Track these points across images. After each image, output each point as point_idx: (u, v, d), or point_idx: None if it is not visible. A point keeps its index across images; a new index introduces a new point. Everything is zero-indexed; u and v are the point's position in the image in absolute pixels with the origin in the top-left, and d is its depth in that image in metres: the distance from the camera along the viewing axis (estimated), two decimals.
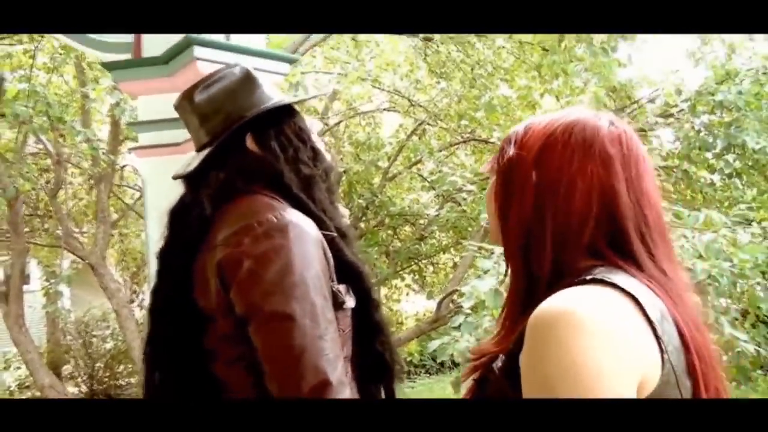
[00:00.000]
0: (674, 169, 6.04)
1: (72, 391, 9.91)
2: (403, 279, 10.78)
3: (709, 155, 5.91)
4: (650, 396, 0.94)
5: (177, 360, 1.55)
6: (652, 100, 6.70)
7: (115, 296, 7.10)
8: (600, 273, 1.01)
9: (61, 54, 7.06)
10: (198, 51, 2.44)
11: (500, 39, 7.92)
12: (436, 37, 8.05)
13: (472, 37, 7.92)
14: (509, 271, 1.19)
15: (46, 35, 6.81)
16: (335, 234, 1.59)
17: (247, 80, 1.69)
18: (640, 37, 6.66)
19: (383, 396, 1.66)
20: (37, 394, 10.01)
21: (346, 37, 8.67)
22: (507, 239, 1.17)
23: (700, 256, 3.37)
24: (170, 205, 1.67)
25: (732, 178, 5.87)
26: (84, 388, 10.60)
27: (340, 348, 1.43)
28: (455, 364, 8.73)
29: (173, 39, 2.51)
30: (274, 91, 1.74)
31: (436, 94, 9.07)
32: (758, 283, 3.41)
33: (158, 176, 2.65)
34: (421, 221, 8.82)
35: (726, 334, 3.18)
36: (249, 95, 1.67)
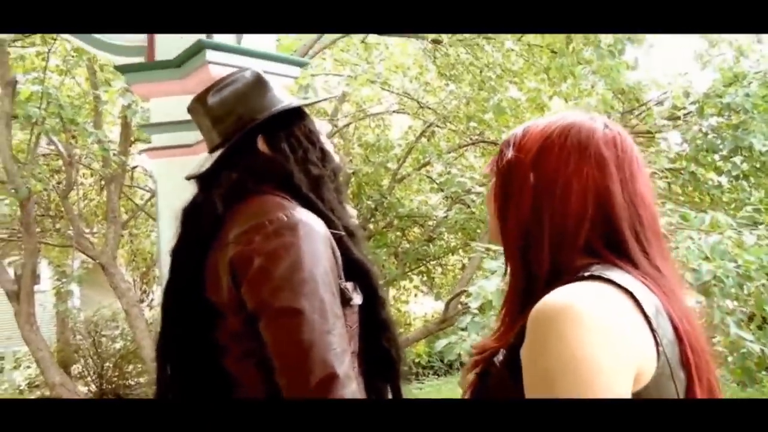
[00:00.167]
0: (682, 171, 6.05)
1: (81, 390, 9.97)
2: (411, 280, 10.79)
3: (716, 157, 5.91)
4: (646, 386, 0.98)
5: (188, 354, 1.59)
6: (660, 103, 6.71)
7: (125, 296, 7.15)
8: (597, 270, 1.05)
9: (73, 56, 7.12)
10: (210, 54, 2.47)
11: (509, 41, 7.94)
12: (445, 39, 8.07)
13: (480, 40, 7.94)
14: (508, 270, 1.22)
15: (58, 38, 6.88)
16: (343, 233, 1.63)
17: (259, 84, 1.74)
18: (648, 40, 6.67)
19: (389, 391, 1.70)
20: (47, 392, 10.09)
21: (356, 40, 8.70)
22: (506, 239, 1.21)
23: (706, 258, 3.39)
24: (183, 204, 1.71)
25: (739, 180, 5.87)
26: (93, 388, 10.66)
27: (347, 343, 1.47)
28: (463, 366, 8.72)
29: (185, 42, 2.55)
30: (284, 94, 1.78)
31: (445, 97, 9.08)
32: (764, 285, 3.43)
33: (170, 177, 2.69)
34: (430, 223, 8.86)
35: (732, 335, 3.20)
36: (260, 98, 1.71)
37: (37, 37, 7.12)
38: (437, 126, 9.09)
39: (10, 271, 7.12)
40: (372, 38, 8.65)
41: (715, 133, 5.87)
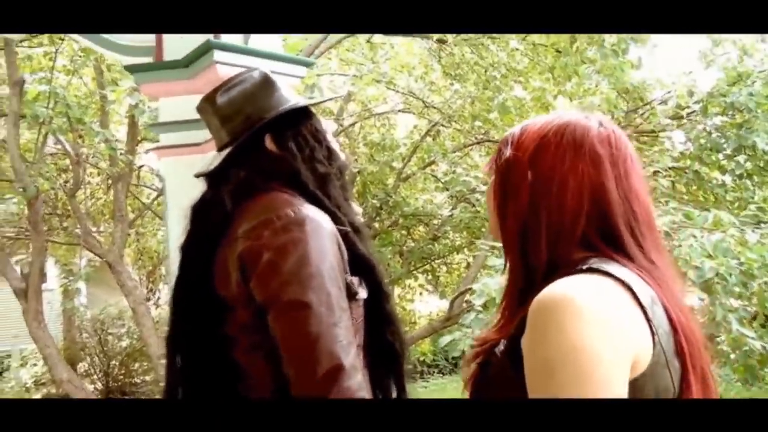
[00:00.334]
0: (686, 170, 6.07)
1: (87, 388, 10.03)
2: (416, 279, 10.82)
3: (720, 156, 5.93)
4: (643, 374, 1.02)
5: (198, 346, 1.63)
6: (664, 102, 6.73)
7: (131, 294, 7.19)
8: (595, 263, 1.08)
9: (80, 57, 7.15)
10: (217, 55, 2.51)
11: (514, 41, 7.96)
12: (450, 39, 8.10)
13: (485, 39, 7.95)
14: (508, 265, 1.26)
15: (66, 39, 6.91)
16: (349, 229, 1.67)
17: (266, 83, 1.78)
18: (652, 40, 6.68)
19: (393, 383, 1.74)
20: (53, 390, 10.15)
21: (361, 39, 8.73)
22: (505, 234, 1.24)
23: (709, 255, 3.42)
24: (192, 201, 1.75)
25: (743, 179, 5.89)
26: (99, 385, 10.69)
27: (353, 335, 1.50)
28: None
29: (193, 43, 2.58)
30: (291, 93, 1.82)
31: (450, 96, 9.09)
32: (766, 283, 3.45)
33: (178, 175, 2.72)
34: (435, 221, 8.87)
35: (734, 332, 3.23)
36: (268, 98, 1.75)
37: (44, 38, 7.15)
38: (442, 125, 9.11)
39: (17, 270, 7.15)
40: (377, 38, 8.68)
41: (719, 132, 5.89)
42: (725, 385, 8.10)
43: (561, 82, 7.25)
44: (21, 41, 7.05)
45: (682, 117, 6.33)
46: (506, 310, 1.25)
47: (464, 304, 6.63)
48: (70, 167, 8.10)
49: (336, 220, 1.63)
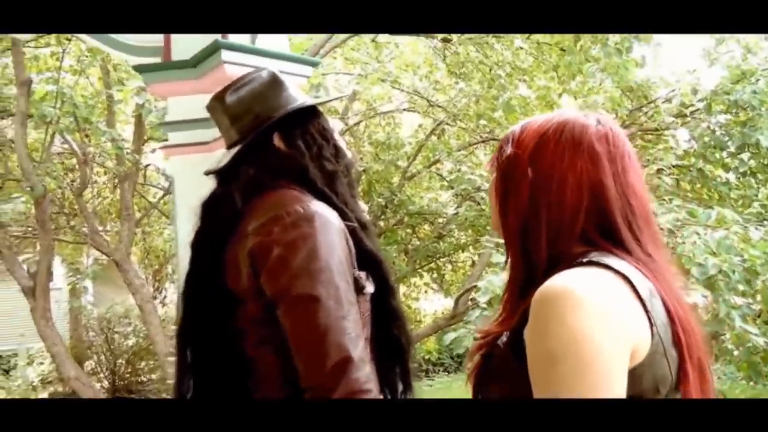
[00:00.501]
0: (690, 168, 6.08)
1: (95, 385, 10.07)
2: (421, 277, 10.85)
3: (724, 154, 5.94)
4: (641, 363, 1.05)
5: (208, 339, 1.66)
6: (668, 100, 6.73)
7: (139, 292, 7.23)
8: (595, 257, 1.12)
9: (87, 57, 7.19)
10: (225, 54, 2.54)
11: (518, 40, 7.96)
12: (455, 38, 8.11)
13: (490, 38, 7.97)
14: (509, 260, 1.30)
15: (72, 39, 6.95)
16: (356, 225, 1.70)
17: (275, 83, 1.81)
18: (656, 38, 6.69)
19: (399, 376, 1.77)
20: (60, 388, 10.19)
21: (366, 39, 8.74)
22: (507, 230, 1.28)
23: (712, 253, 3.44)
24: (202, 198, 1.78)
25: (747, 177, 5.90)
26: (106, 384, 10.74)
27: (361, 328, 1.54)
28: None
29: (201, 43, 2.61)
30: (298, 92, 1.85)
31: (455, 95, 9.09)
32: None
33: (187, 173, 2.76)
34: (440, 220, 8.89)
35: (737, 328, 3.25)
36: (276, 97, 1.78)
37: (51, 38, 7.19)
38: (447, 124, 9.11)
39: (24, 268, 7.19)
40: (382, 37, 8.68)
41: (723, 130, 5.90)
42: (730, 383, 8.10)
43: (565, 80, 7.27)
44: (28, 42, 7.09)
45: (686, 115, 6.33)
46: (508, 303, 1.28)
47: (469, 302, 6.64)
48: (77, 166, 8.14)
49: (343, 216, 1.66)
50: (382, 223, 8.81)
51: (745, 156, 5.75)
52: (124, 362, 10.97)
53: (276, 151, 1.76)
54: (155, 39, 2.91)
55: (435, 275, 10.85)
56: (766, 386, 4.73)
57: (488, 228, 7.37)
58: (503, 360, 1.18)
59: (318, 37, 6.91)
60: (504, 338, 1.20)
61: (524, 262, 1.23)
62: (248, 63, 2.52)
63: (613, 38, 6.11)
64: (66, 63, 7.42)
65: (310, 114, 1.83)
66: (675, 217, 3.88)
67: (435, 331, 8.14)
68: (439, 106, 9.05)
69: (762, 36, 6.83)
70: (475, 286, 4.73)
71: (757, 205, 5.08)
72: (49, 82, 6.63)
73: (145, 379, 11.12)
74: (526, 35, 7.66)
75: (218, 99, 1.81)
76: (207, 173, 1.83)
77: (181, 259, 2.46)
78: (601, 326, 1.01)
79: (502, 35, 7.78)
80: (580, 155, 1.19)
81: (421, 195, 9.42)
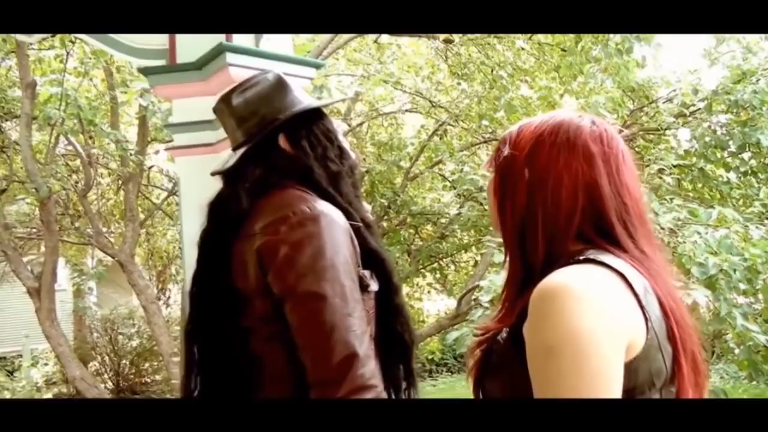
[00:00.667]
0: (691, 168, 6.10)
1: (99, 385, 10.10)
2: (424, 277, 10.86)
3: (725, 154, 5.97)
4: (637, 357, 1.08)
5: (216, 337, 1.69)
6: (669, 100, 6.75)
7: (143, 293, 7.27)
8: (591, 254, 1.15)
9: (91, 59, 7.23)
10: (230, 57, 2.55)
11: (520, 40, 7.99)
12: (457, 39, 8.14)
13: (492, 39, 8.00)
14: (508, 258, 1.33)
15: (76, 41, 6.98)
16: (361, 224, 1.73)
17: (280, 85, 1.84)
18: (657, 39, 6.71)
19: (402, 372, 1.80)
20: (64, 389, 10.22)
21: (369, 40, 8.78)
22: (505, 230, 1.31)
23: (713, 252, 3.46)
24: (209, 198, 1.81)
25: (747, 176, 5.93)
26: (110, 385, 10.77)
27: (366, 325, 1.57)
28: None
29: (206, 45, 2.63)
30: (303, 94, 1.88)
31: (456, 95, 9.13)
32: None
33: (192, 174, 2.78)
34: (443, 220, 8.91)
35: (738, 326, 3.27)
36: (282, 99, 1.81)
37: (55, 40, 7.23)
38: (449, 124, 9.14)
39: (29, 269, 7.23)
40: (384, 38, 8.73)
41: (724, 130, 5.93)
42: (733, 382, 8.12)
43: (567, 81, 7.30)
44: (31, 44, 7.12)
45: (687, 115, 6.36)
46: (507, 300, 1.31)
47: (472, 302, 6.66)
48: (82, 168, 8.17)
49: (348, 215, 1.69)
50: (385, 224, 8.84)
51: (745, 155, 5.78)
52: (128, 363, 11.01)
53: (282, 151, 1.79)
54: (159, 41, 2.93)
55: (438, 275, 10.86)
56: (764, 382, 4.74)
57: (490, 228, 7.38)
58: (503, 355, 1.21)
59: (321, 39, 6.95)
60: (503, 334, 1.23)
61: (522, 260, 1.26)
62: (252, 65, 2.54)
63: (614, 39, 6.13)
64: (70, 65, 7.45)
65: (315, 115, 1.85)
66: (676, 217, 3.90)
67: (438, 331, 8.18)
68: (442, 107, 9.08)
69: (762, 36, 6.85)
70: (477, 286, 4.75)
71: (758, 205, 5.11)
72: (53, 85, 6.65)
73: (149, 380, 11.16)
74: (528, 36, 7.68)
75: (225, 101, 1.84)
76: (213, 174, 1.86)
77: (187, 259, 2.48)
78: (598, 321, 1.04)
79: (503, 36, 7.81)
80: (575, 156, 1.22)
81: (423, 195, 9.45)
